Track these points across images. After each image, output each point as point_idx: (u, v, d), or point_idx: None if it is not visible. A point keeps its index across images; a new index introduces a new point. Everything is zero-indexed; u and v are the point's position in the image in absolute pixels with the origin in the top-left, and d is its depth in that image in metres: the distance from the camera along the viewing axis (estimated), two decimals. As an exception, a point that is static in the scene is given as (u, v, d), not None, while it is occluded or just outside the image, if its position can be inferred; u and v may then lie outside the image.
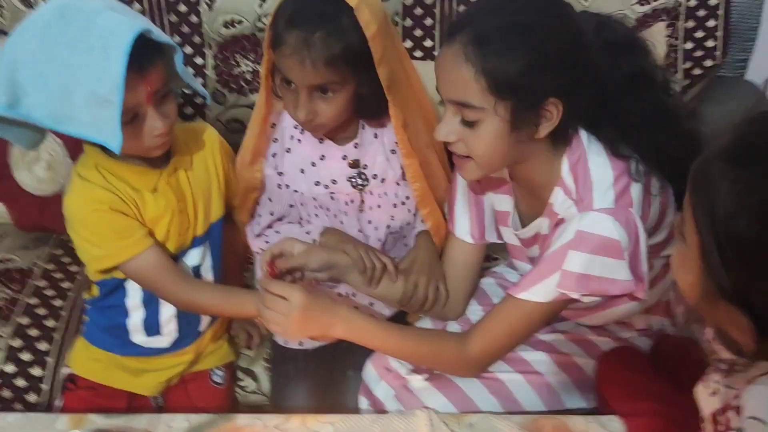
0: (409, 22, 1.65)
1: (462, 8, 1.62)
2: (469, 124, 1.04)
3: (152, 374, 1.32)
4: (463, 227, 1.28)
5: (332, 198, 1.30)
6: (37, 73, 1.02)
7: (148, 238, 1.17)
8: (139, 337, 1.28)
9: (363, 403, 1.27)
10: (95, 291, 1.29)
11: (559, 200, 1.10)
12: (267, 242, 1.34)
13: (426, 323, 1.35)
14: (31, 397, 1.41)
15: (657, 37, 1.60)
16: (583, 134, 1.09)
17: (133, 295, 1.25)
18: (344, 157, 1.28)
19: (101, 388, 1.31)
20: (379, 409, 1.24)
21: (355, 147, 1.28)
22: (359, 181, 1.29)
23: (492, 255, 1.52)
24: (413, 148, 1.25)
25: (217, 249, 1.31)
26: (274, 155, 1.30)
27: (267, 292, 1.11)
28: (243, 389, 1.44)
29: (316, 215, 1.33)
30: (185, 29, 1.65)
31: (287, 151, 1.29)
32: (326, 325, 1.12)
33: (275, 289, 1.11)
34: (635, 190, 1.06)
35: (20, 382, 1.41)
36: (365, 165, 1.29)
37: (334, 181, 1.29)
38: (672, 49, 1.64)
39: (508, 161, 1.11)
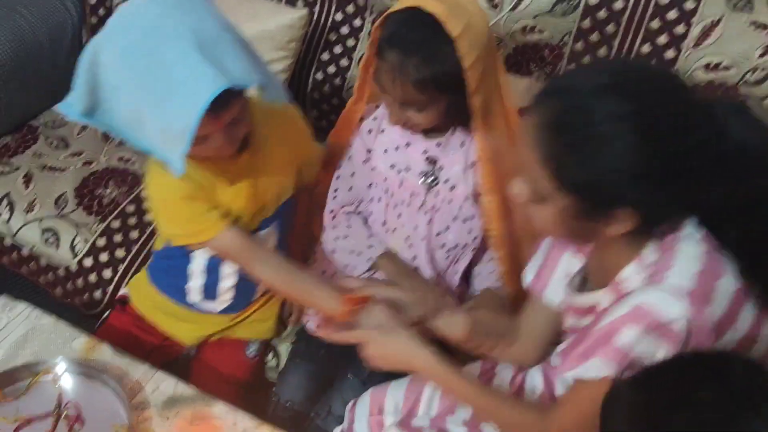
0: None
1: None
2: (536, 200, 0.94)
3: (193, 326, 1.37)
4: (528, 274, 1.17)
5: (400, 185, 1.31)
6: (116, 86, 1.00)
7: (222, 222, 1.17)
8: (195, 298, 1.33)
9: (338, 430, 1.25)
10: (160, 245, 1.34)
11: (631, 275, 0.94)
12: (336, 237, 1.37)
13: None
14: (97, 294, 1.57)
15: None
16: (689, 224, 0.92)
17: (198, 263, 1.27)
18: (424, 151, 1.29)
19: (144, 322, 1.38)
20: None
21: (438, 146, 1.28)
22: (429, 180, 1.29)
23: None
24: (497, 185, 1.22)
25: (284, 228, 1.32)
26: (369, 131, 1.33)
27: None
28: (264, 363, 1.48)
29: (379, 199, 1.34)
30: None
31: (381, 131, 1.32)
32: (405, 362, 1.08)
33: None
34: (725, 284, 0.88)
35: (92, 278, 1.57)
36: (441, 167, 1.29)
37: (407, 168, 1.30)
38: None
39: (572, 241, 1.02)
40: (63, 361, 1.16)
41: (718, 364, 0.66)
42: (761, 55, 1.45)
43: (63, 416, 1.09)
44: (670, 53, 1.51)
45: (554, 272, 1.14)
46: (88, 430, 1.09)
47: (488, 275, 1.37)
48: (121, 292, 1.47)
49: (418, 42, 1.11)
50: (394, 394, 1.22)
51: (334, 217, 1.40)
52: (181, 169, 0.99)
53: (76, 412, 1.10)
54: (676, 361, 0.66)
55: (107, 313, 1.44)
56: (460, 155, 1.28)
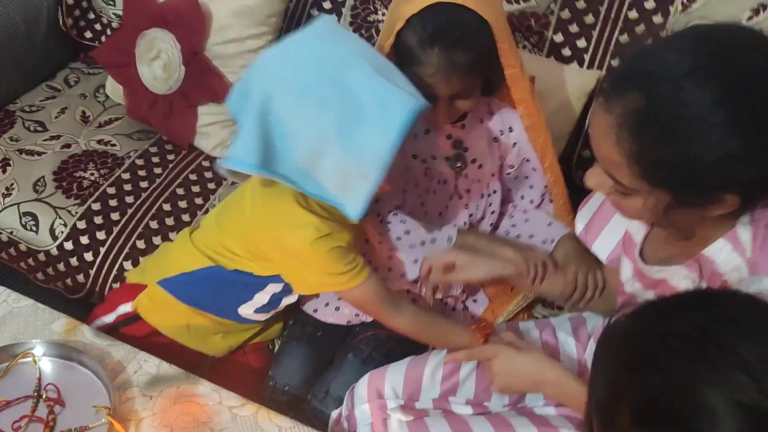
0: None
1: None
2: (621, 192, 0.89)
3: (226, 336, 1.31)
4: (579, 222, 1.16)
5: (425, 174, 1.29)
6: (291, 130, 0.97)
7: (366, 269, 1.12)
8: (246, 312, 1.27)
9: (336, 413, 1.22)
10: (230, 267, 1.21)
11: (723, 254, 0.89)
12: (398, 237, 1.28)
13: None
14: (79, 278, 1.53)
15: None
16: None
17: (270, 290, 1.23)
18: (449, 136, 1.27)
19: (160, 336, 1.29)
20: (349, 429, 1.18)
21: (462, 128, 1.27)
22: (458, 163, 1.29)
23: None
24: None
25: None
26: None
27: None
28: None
29: (405, 191, 1.31)
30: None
31: None
32: (536, 376, 1.07)
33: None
34: None
35: (74, 261, 1.53)
36: (466, 148, 1.28)
37: (433, 157, 1.28)
38: None
39: (666, 227, 0.96)
40: (42, 343, 1.13)
41: (710, 297, 0.65)
42: (750, 18, 1.43)
43: (43, 398, 1.07)
44: (657, 18, 1.48)
45: (606, 225, 1.11)
46: (69, 412, 1.06)
47: (552, 226, 1.32)
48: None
49: (455, 29, 1.10)
50: (391, 379, 1.18)
51: (381, 221, 1.31)
52: (359, 213, 0.97)
53: (56, 394, 1.07)
54: (679, 296, 0.64)
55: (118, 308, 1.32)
56: (482, 130, 1.28)
